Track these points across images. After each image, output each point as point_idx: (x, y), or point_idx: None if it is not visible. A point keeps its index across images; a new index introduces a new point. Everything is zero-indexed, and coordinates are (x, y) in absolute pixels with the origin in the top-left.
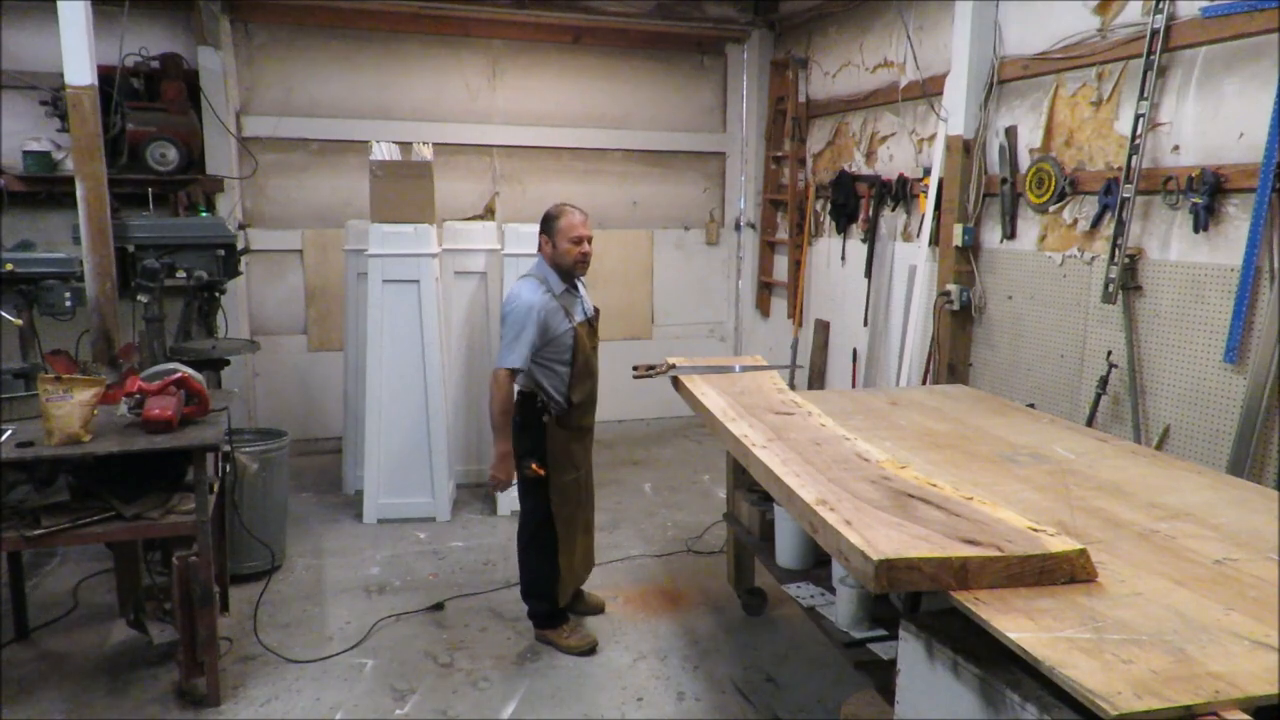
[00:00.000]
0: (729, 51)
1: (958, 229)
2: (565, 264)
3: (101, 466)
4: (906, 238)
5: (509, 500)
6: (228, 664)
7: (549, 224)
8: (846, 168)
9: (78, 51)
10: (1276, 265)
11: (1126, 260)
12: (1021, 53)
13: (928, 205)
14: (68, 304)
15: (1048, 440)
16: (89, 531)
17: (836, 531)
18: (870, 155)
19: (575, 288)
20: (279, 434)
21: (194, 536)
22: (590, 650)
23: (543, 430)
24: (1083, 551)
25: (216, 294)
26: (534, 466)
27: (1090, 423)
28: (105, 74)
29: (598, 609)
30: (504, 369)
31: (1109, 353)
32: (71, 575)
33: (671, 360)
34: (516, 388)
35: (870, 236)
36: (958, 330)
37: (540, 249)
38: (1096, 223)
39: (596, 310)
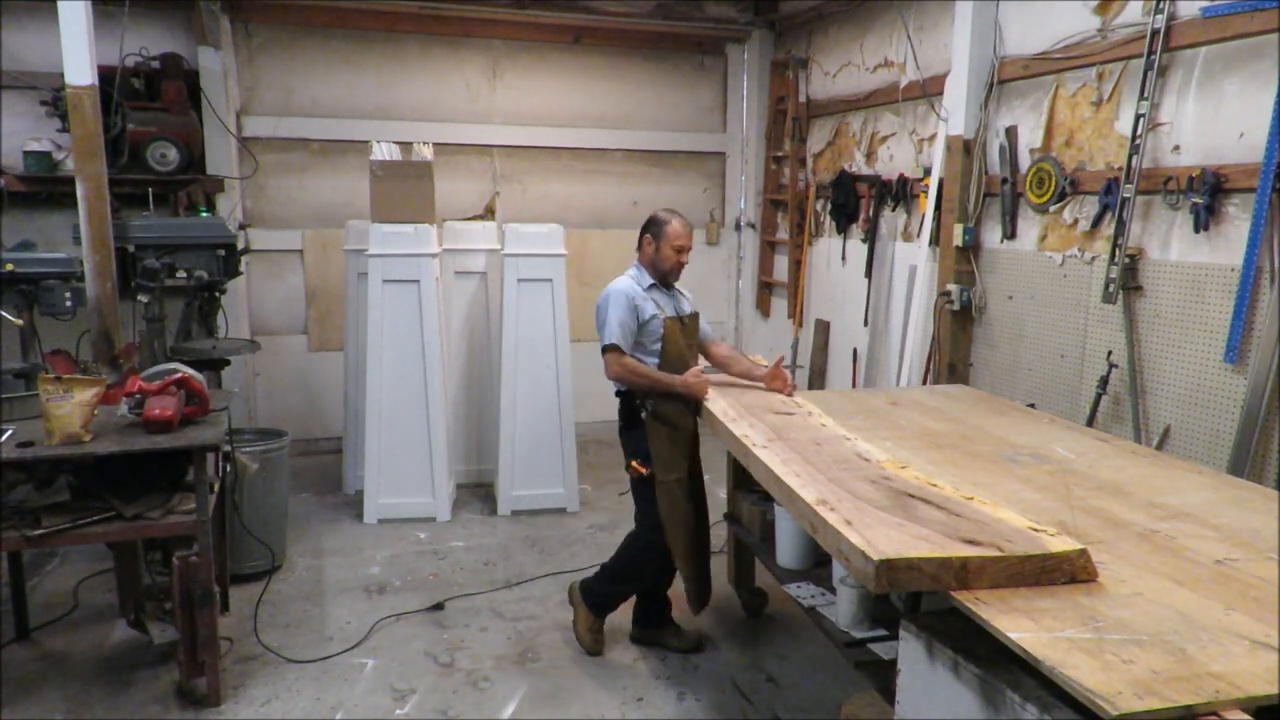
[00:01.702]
0: (729, 51)
1: (958, 229)
2: (663, 268)
3: (102, 466)
4: (907, 238)
5: (509, 500)
6: (228, 664)
7: (657, 228)
8: (847, 168)
9: (78, 51)
10: (1277, 265)
11: (1127, 260)
12: (1022, 53)
13: (928, 205)
14: (68, 304)
15: (1048, 440)
16: (89, 531)
17: (837, 531)
18: (870, 155)
19: (670, 288)
20: (279, 434)
21: (194, 536)
22: (594, 653)
23: (643, 428)
24: (1083, 551)
25: (217, 294)
26: (634, 464)
27: (1090, 423)
28: (105, 74)
29: (690, 646)
30: (604, 346)
31: (1109, 353)
32: (72, 575)
33: None
34: (614, 388)
35: (870, 236)
36: (958, 330)
37: (640, 248)
38: (1097, 223)
39: (695, 314)
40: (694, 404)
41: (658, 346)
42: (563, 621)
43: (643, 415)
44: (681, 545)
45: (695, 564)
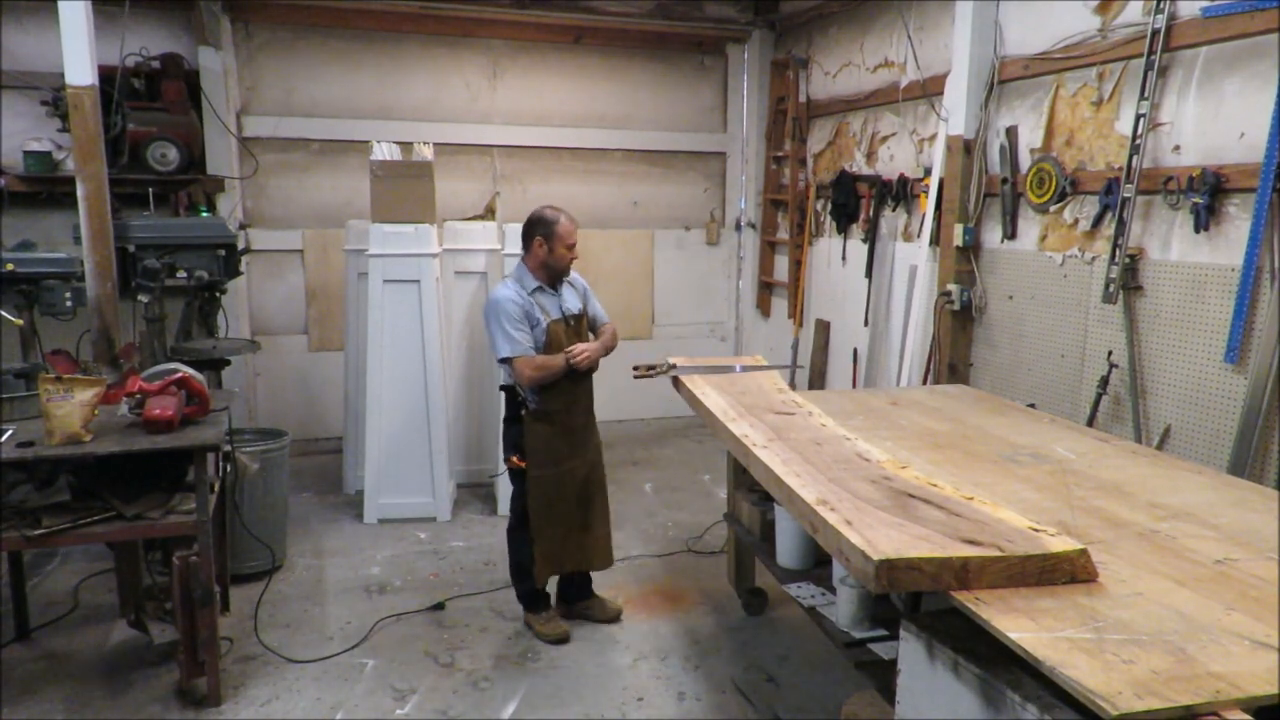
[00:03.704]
0: (729, 51)
1: (958, 229)
2: (559, 267)
3: (102, 466)
4: (907, 238)
5: (509, 501)
6: (228, 664)
7: (547, 228)
8: (847, 168)
9: (78, 51)
10: (1277, 265)
11: (1127, 260)
12: (1022, 53)
13: (928, 205)
14: (68, 304)
15: (1048, 440)
16: (90, 531)
17: (837, 531)
18: (871, 155)
19: (555, 288)
20: (279, 434)
21: (194, 536)
22: (559, 640)
23: (522, 425)
24: (1083, 551)
25: (217, 294)
26: (514, 459)
27: (1091, 423)
28: (106, 74)
29: (610, 617)
30: (508, 359)
31: (1109, 353)
32: (72, 575)
33: (672, 360)
34: (500, 383)
35: (871, 236)
36: (958, 330)
37: (529, 250)
38: (1097, 223)
39: (583, 312)
40: (583, 398)
41: (541, 351)
42: None
43: (522, 413)
44: (546, 531)
45: (556, 549)
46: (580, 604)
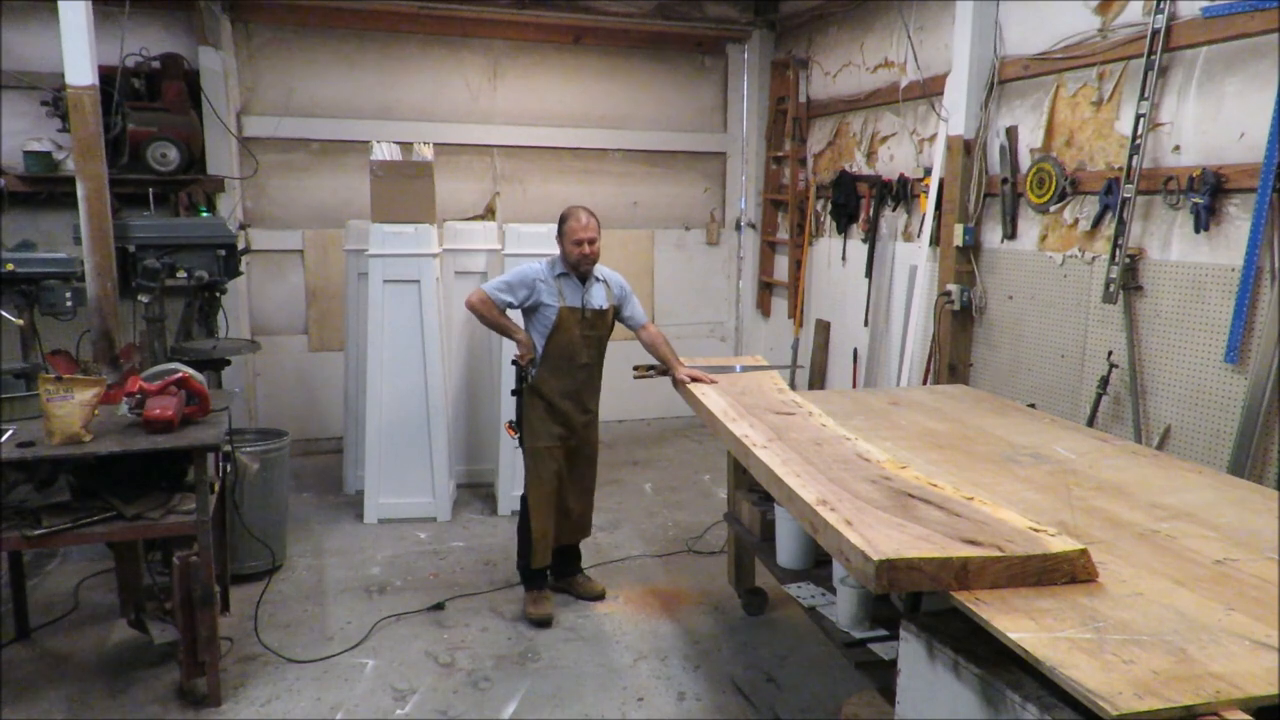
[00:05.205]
0: (729, 51)
1: (958, 229)
2: (571, 259)
3: (102, 466)
4: (907, 238)
5: (509, 500)
6: (228, 664)
7: (562, 224)
8: (847, 168)
9: (78, 52)
10: (1277, 265)
11: (1127, 260)
12: (1022, 53)
13: (928, 205)
14: (68, 304)
15: (1048, 440)
16: (90, 531)
17: (837, 531)
18: (871, 155)
19: (582, 280)
20: (279, 434)
21: (195, 536)
22: (539, 622)
23: (523, 396)
24: (1083, 552)
25: (217, 294)
26: (507, 425)
27: (1091, 423)
28: (106, 74)
29: (594, 595)
30: (479, 288)
31: (1110, 353)
32: (72, 575)
33: None
34: (511, 358)
35: (871, 236)
36: (958, 330)
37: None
38: (1097, 223)
39: (605, 309)
40: (584, 394)
41: (548, 330)
42: (563, 621)
43: (524, 386)
44: (539, 506)
45: (545, 524)
46: (566, 579)
